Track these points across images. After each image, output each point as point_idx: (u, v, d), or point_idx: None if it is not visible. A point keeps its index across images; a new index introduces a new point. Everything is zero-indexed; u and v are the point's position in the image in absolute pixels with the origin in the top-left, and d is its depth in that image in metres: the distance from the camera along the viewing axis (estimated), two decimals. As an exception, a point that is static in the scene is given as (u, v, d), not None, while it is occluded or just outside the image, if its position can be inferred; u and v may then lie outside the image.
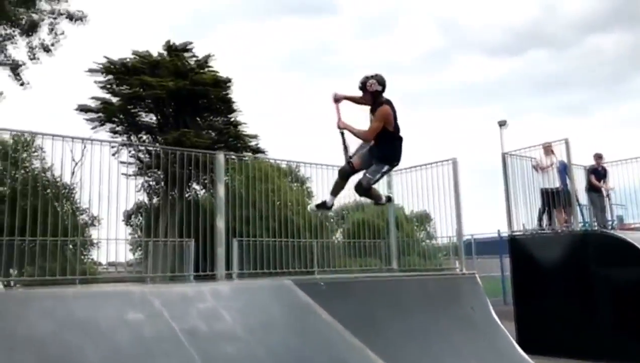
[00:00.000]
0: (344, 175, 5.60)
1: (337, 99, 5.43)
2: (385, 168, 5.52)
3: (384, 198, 6.03)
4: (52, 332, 4.29)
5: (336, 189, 5.72)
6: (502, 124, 24.70)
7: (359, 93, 5.48)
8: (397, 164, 5.65)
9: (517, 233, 10.36)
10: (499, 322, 7.22)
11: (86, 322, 4.51)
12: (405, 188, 9.26)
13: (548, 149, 10.61)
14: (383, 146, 5.40)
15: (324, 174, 8.91)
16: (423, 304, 6.32)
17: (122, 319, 4.67)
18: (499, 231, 18.92)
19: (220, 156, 7.87)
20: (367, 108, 5.53)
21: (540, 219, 10.65)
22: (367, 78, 5.37)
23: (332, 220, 18.67)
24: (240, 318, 4.98)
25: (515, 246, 10.39)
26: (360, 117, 5.58)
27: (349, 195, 9.32)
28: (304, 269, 9.78)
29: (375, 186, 5.72)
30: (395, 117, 5.35)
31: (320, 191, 9.06)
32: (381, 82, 5.38)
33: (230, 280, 7.52)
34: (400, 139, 5.45)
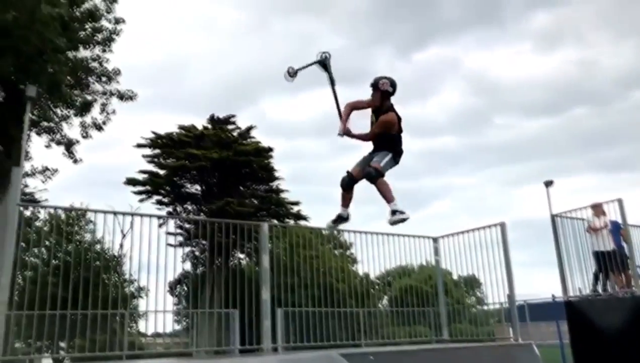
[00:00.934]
0: (346, 186, 5.60)
1: (345, 134, 5.54)
2: (390, 155, 5.55)
3: (396, 202, 5.60)
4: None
5: (345, 201, 5.72)
6: (548, 184, 23.95)
7: (363, 98, 5.61)
8: (401, 154, 5.69)
9: (574, 298, 9.88)
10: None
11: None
12: (453, 252, 9.06)
13: (598, 210, 10.23)
14: (385, 143, 5.56)
15: (367, 240, 8.85)
16: (479, 378, 6.02)
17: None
18: (553, 295, 18.13)
19: (265, 226, 7.93)
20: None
21: (595, 283, 10.15)
22: (379, 78, 5.54)
23: (377, 287, 18.35)
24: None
25: (573, 312, 9.85)
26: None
27: (392, 261, 9.22)
28: (350, 341, 9.53)
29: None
30: (399, 119, 5.59)
31: (365, 257, 8.98)
32: (393, 84, 5.56)
33: (276, 353, 7.38)
34: (401, 134, 5.66)
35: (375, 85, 5.53)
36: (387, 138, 5.58)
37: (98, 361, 7.38)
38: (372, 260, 9.03)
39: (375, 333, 10.57)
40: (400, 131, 5.62)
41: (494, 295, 8.89)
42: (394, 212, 5.49)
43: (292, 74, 5.59)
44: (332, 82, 5.65)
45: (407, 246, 9.11)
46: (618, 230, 9.98)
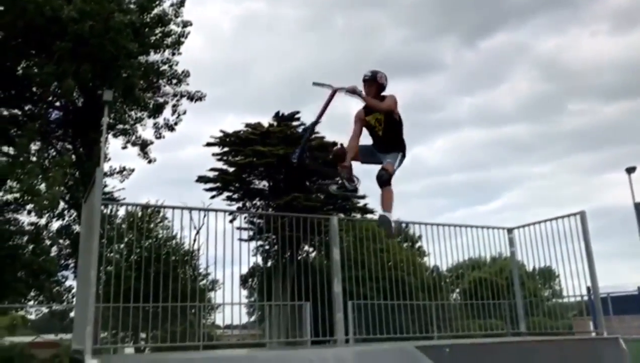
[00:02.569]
0: (336, 156, 5.51)
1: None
2: (400, 156, 5.45)
3: (392, 213, 5.49)
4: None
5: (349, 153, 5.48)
6: (630, 170, 22.57)
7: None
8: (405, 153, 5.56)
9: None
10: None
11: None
12: (528, 243, 8.73)
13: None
14: (395, 136, 5.45)
15: (437, 232, 8.70)
16: (561, 371, 5.78)
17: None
18: (639, 287, 17.21)
19: (335, 220, 7.97)
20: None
21: None
22: (375, 71, 5.45)
23: (447, 280, 18.04)
24: (366, 386, 4.85)
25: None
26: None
27: (464, 253, 9.03)
28: (421, 333, 9.43)
29: None
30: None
31: (434, 249, 8.85)
32: (387, 79, 5.51)
33: (351, 345, 7.41)
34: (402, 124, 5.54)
35: (372, 78, 5.43)
36: (395, 132, 5.47)
37: (176, 350, 7.69)
38: (442, 252, 8.88)
39: (448, 327, 10.40)
40: (401, 121, 5.50)
41: (572, 288, 8.51)
42: (383, 216, 5.49)
43: (295, 158, 5.62)
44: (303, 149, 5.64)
45: (479, 237, 8.89)
46: None
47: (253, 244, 21.63)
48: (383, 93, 5.46)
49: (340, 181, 5.58)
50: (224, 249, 7.44)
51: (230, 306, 8.17)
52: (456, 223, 8.82)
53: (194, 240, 18.84)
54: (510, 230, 9.01)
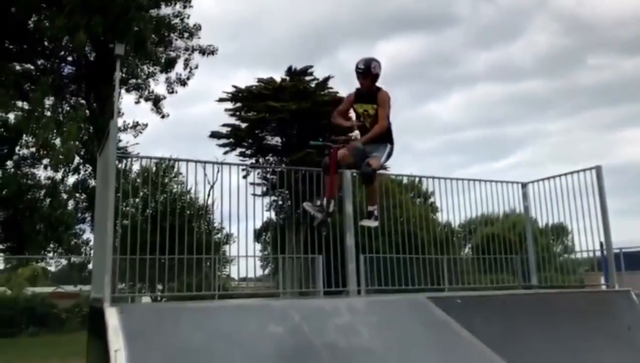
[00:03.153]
0: (326, 169, 5.48)
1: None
2: (389, 147, 5.35)
3: (377, 207, 5.58)
4: (202, 342, 4.57)
5: (330, 189, 5.56)
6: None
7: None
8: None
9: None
10: (661, 344, 6.40)
11: (232, 334, 4.74)
12: (542, 198, 8.70)
13: None
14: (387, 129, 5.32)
15: (449, 188, 8.68)
16: (571, 321, 5.83)
17: (265, 332, 4.84)
18: (650, 243, 17.19)
19: (348, 174, 7.96)
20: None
21: None
22: (369, 61, 5.22)
23: (459, 235, 18.11)
24: (378, 334, 4.95)
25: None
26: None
27: (476, 209, 9.02)
28: (432, 285, 9.55)
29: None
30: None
31: (446, 205, 8.84)
32: (381, 67, 5.28)
33: (362, 296, 7.53)
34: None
35: (366, 69, 5.20)
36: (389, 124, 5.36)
37: (192, 300, 7.89)
38: (454, 208, 8.88)
39: (459, 280, 10.52)
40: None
41: (585, 243, 8.52)
42: (370, 214, 5.51)
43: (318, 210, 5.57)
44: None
45: (493, 192, 8.86)
46: None
47: (267, 200, 21.88)
48: (377, 84, 5.28)
49: (319, 206, 5.58)
50: (238, 204, 7.51)
51: (245, 259, 8.30)
52: (470, 178, 8.79)
53: (208, 195, 19.04)
54: (524, 185, 8.96)
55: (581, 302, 6.43)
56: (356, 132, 5.30)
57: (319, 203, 5.62)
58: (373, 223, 5.57)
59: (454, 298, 5.91)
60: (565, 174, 8.21)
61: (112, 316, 4.71)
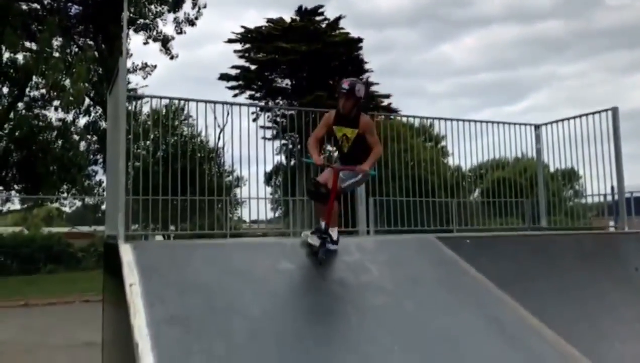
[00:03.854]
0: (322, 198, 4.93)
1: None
2: (359, 177, 5.01)
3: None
4: (215, 278, 4.67)
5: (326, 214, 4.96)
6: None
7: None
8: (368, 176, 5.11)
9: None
10: (669, 285, 6.47)
11: (244, 270, 4.84)
12: (555, 142, 8.60)
13: None
14: (362, 154, 4.96)
15: (460, 132, 8.59)
16: (579, 262, 5.89)
17: (276, 268, 4.94)
18: (662, 187, 17.03)
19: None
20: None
21: None
22: (354, 82, 4.91)
23: (469, 179, 18.09)
24: (387, 272, 5.03)
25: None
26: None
27: (488, 152, 8.96)
28: (441, 226, 9.63)
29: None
30: None
31: (457, 149, 8.78)
32: (365, 91, 4.99)
33: (371, 236, 7.63)
34: None
35: (350, 91, 4.85)
36: (362, 151, 4.96)
37: (205, 237, 8.03)
38: (466, 152, 8.82)
39: (469, 223, 10.58)
40: None
41: (596, 188, 8.48)
42: (317, 232, 4.96)
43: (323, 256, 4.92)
44: None
45: (505, 136, 8.77)
46: None
47: (277, 143, 21.85)
48: (359, 110, 4.94)
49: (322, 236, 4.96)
50: (248, 147, 7.51)
51: (256, 201, 8.37)
52: (482, 120, 8.68)
53: (218, 138, 19.06)
54: (537, 127, 8.85)
55: (589, 244, 6.46)
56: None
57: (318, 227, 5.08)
58: (313, 242, 4.98)
59: (463, 238, 5.96)
60: (581, 116, 8.09)
61: (127, 252, 4.81)
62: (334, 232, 5.03)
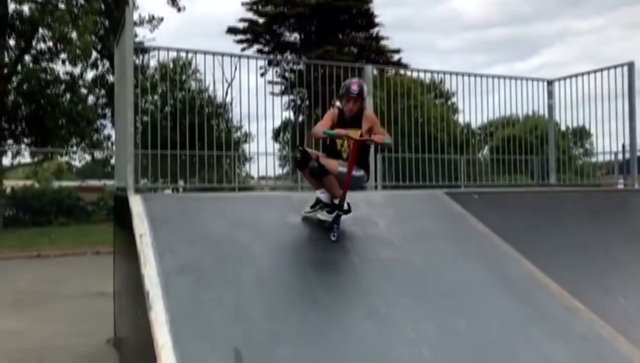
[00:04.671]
0: (318, 173, 4.68)
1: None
2: (362, 173, 4.76)
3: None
4: (224, 230, 4.72)
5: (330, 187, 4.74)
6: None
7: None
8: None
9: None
10: (677, 241, 6.47)
11: (253, 223, 4.89)
12: (567, 98, 8.46)
13: None
14: (363, 159, 4.79)
15: (470, 88, 8.44)
16: (586, 218, 5.89)
17: (285, 221, 4.99)
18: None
19: (369, 68, 7.79)
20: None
21: None
22: (362, 84, 4.83)
23: (478, 137, 17.97)
24: (394, 226, 5.06)
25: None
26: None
27: (498, 109, 8.84)
28: (449, 182, 9.63)
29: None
30: None
31: (467, 105, 8.66)
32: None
33: (379, 191, 7.64)
34: None
35: (360, 94, 4.75)
36: (363, 156, 4.79)
37: (214, 191, 8.06)
38: (476, 108, 8.70)
39: (477, 179, 10.56)
40: None
41: (607, 146, 8.40)
42: (328, 206, 4.76)
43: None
44: None
45: (516, 92, 8.62)
46: None
47: (285, 99, 21.69)
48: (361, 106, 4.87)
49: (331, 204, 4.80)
50: (257, 103, 7.43)
51: (264, 156, 8.35)
52: (494, 74, 8.52)
53: (226, 93, 18.94)
54: (550, 83, 8.70)
55: (598, 200, 6.45)
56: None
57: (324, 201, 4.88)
58: (326, 217, 4.80)
59: (471, 193, 5.96)
60: (595, 72, 7.93)
61: (136, 203, 4.86)
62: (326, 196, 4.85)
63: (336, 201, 4.78)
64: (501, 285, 4.29)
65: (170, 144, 7.79)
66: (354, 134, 4.67)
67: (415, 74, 9.14)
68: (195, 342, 3.41)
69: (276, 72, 24.98)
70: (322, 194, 4.87)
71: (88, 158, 24.90)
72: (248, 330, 3.58)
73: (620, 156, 9.58)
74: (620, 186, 8.27)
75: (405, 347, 3.64)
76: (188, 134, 9.16)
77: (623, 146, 8.75)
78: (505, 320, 3.99)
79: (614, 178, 10.58)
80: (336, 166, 4.67)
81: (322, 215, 4.83)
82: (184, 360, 3.20)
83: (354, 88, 4.76)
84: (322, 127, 4.70)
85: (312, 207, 4.96)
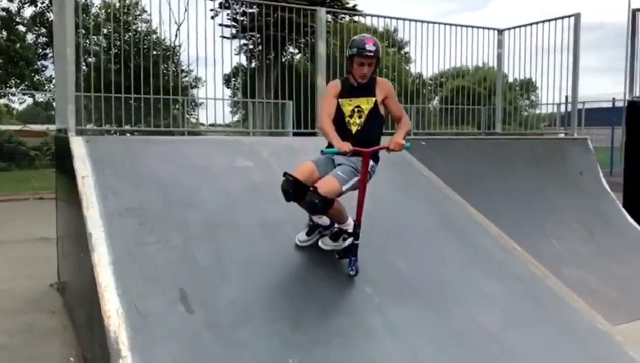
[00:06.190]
0: (292, 196, 3.73)
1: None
2: (371, 164, 3.79)
3: (349, 222, 3.86)
4: (171, 173, 4.64)
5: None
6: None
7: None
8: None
9: (638, 98, 9.41)
10: (608, 189, 6.85)
11: (201, 167, 4.83)
12: (516, 49, 8.61)
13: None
14: (378, 133, 3.91)
15: (423, 37, 8.42)
16: (527, 165, 6.12)
17: (233, 165, 4.95)
18: (614, 99, 17.56)
19: (322, 12, 7.63)
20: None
21: None
22: (377, 44, 3.72)
23: (429, 87, 18.13)
24: (343, 172, 5.11)
25: (634, 112, 9.47)
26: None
27: (449, 58, 8.89)
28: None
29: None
30: None
31: (419, 55, 8.66)
32: None
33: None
34: None
35: (377, 53, 3.70)
36: (378, 129, 3.92)
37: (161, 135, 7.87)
38: (427, 58, 8.70)
39: (426, 128, 10.71)
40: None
41: (550, 97, 8.65)
42: (338, 234, 3.86)
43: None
44: None
45: (468, 40, 8.67)
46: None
47: (236, 43, 21.08)
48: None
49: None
50: (206, 46, 7.19)
51: (214, 101, 8.16)
52: (446, 22, 8.51)
53: (175, 36, 18.24)
54: (500, 32, 8.81)
55: (539, 148, 6.69)
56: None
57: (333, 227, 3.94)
58: (340, 245, 3.90)
59: (419, 140, 6.06)
60: (543, 22, 8.06)
61: (78, 145, 4.70)
62: (348, 225, 3.88)
63: (344, 227, 3.84)
64: (443, 227, 4.44)
65: (117, 87, 7.50)
66: (366, 104, 3.80)
67: (369, 23, 8.96)
68: (139, 284, 3.39)
69: (228, 14, 24.14)
70: (320, 220, 3.96)
71: (29, 100, 23.75)
72: (194, 272, 3.59)
73: (562, 108, 9.88)
74: (561, 136, 8.58)
75: (348, 286, 3.75)
76: (135, 78, 8.81)
77: (566, 97, 9.01)
78: (446, 260, 4.16)
79: (557, 129, 10.96)
80: (337, 186, 3.61)
81: (326, 244, 3.92)
82: (127, 302, 3.19)
83: (370, 46, 3.68)
84: (327, 110, 3.79)
85: (308, 234, 4.02)
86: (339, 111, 3.82)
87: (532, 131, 9.39)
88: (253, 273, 3.68)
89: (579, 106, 9.82)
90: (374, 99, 3.81)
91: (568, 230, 5.39)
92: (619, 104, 11.64)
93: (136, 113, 7.89)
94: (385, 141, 3.83)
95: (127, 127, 12.61)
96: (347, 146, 3.51)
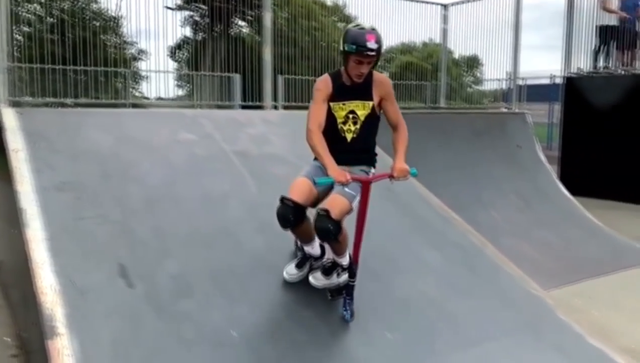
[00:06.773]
0: (292, 223, 3.15)
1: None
2: (372, 172, 3.44)
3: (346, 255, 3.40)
4: (110, 146, 4.50)
5: (304, 236, 3.37)
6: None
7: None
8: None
9: (574, 74, 9.80)
10: (544, 161, 7.13)
11: (141, 139, 4.70)
12: (462, 25, 8.77)
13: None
14: (372, 141, 3.53)
15: (373, 12, 8.46)
16: (469, 139, 6.29)
17: (175, 138, 4.84)
18: (552, 75, 18.14)
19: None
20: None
21: (595, 59, 9.93)
22: (380, 35, 3.09)
23: (378, 63, 18.29)
24: (289, 144, 5.08)
25: (571, 89, 9.88)
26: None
27: (397, 35, 8.96)
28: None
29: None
30: None
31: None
32: None
33: (277, 110, 7.59)
34: None
35: (379, 50, 3.10)
36: (373, 136, 3.50)
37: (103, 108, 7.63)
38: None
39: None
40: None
41: (494, 74, 8.90)
42: (331, 268, 3.42)
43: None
44: None
45: (414, 16, 8.76)
46: (635, 8, 9.53)
47: (182, 15, 20.48)
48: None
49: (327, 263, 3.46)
50: (147, 16, 6.96)
51: (156, 76, 7.96)
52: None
53: (118, 6, 17.53)
54: (445, 7, 8.94)
55: (480, 122, 6.88)
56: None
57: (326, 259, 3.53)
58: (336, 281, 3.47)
59: (365, 114, 6.09)
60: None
61: (9, 117, 4.49)
62: (344, 258, 3.42)
63: (339, 260, 3.39)
64: (386, 198, 4.51)
65: (55, 58, 7.18)
66: (362, 109, 3.29)
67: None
68: (76, 260, 3.29)
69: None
70: (312, 249, 3.47)
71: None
72: (134, 247, 3.52)
73: (504, 85, 10.19)
74: (503, 110, 8.86)
75: (289, 255, 3.77)
76: (74, 49, 8.46)
77: (507, 73, 9.29)
78: (388, 229, 4.24)
79: (499, 105, 11.33)
80: (348, 206, 3.14)
81: (317, 280, 3.46)
82: (64, 278, 3.10)
83: (372, 44, 3.03)
84: (317, 117, 3.19)
85: (298, 267, 3.52)
86: (330, 117, 3.26)
87: (475, 106, 9.65)
88: (194, 247, 3.64)
89: (520, 82, 10.18)
90: (370, 103, 3.30)
91: (506, 201, 5.60)
92: (558, 81, 12.07)
93: (77, 86, 7.61)
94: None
95: (68, 100, 12.14)
96: (344, 176, 3.00)
